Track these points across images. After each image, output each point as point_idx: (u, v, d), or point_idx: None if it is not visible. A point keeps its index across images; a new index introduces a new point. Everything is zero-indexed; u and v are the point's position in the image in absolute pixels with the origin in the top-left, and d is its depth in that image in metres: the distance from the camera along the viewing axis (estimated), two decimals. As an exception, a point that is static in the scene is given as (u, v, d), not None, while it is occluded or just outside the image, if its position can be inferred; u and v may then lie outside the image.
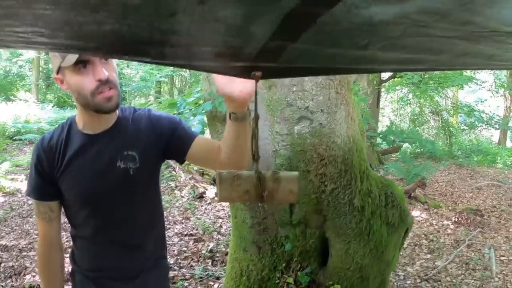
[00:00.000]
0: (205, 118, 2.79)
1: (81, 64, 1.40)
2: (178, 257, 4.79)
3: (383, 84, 10.74)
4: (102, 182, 1.56)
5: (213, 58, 0.96)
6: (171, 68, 19.00)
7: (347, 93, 2.67)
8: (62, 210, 1.67)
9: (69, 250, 1.78)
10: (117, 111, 1.61)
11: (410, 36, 0.87)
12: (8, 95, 21.16)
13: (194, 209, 6.76)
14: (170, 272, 4.26)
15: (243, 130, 1.33)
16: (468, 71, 13.20)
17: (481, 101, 15.61)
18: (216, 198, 7.27)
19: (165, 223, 5.72)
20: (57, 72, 1.48)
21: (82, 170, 1.55)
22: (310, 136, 2.53)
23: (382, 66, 1.16)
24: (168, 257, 4.67)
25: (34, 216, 5.73)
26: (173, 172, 8.59)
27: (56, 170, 1.56)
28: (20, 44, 0.89)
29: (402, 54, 0.98)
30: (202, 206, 6.99)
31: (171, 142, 1.61)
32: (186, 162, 1.75)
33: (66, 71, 1.44)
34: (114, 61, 1.53)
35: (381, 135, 4.06)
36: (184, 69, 19.55)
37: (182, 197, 7.37)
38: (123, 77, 17.43)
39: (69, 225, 1.72)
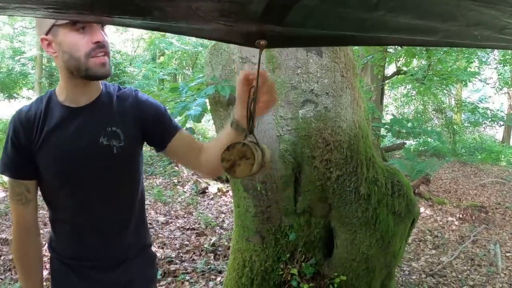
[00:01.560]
0: (208, 103, 2.73)
1: (80, 24, 1.34)
2: (180, 251, 4.74)
3: (386, 81, 10.67)
4: (83, 158, 1.45)
5: (216, 17, 0.90)
6: (175, 65, 18.97)
7: (352, 77, 2.60)
8: (39, 193, 1.55)
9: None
10: (101, 85, 1.53)
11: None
12: (11, 93, 21.19)
13: (197, 204, 6.72)
14: (171, 265, 4.26)
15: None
16: (473, 67, 13.13)
17: (485, 99, 15.52)
18: (218, 193, 7.23)
19: (168, 217, 5.68)
20: (47, 33, 1.39)
21: (61, 145, 1.44)
22: (315, 120, 2.46)
23: (392, 35, 1.10)
24: (169, 250, 4.67)
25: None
26: (176, 167, 8.55)
27: (34, 144, 1.44)
28: (15, 4, 0.84)
29: (412, 19, 0.92)
30: (204, 201, 6.96)
31: (154, 128, 1.55)
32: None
33: (61, 29, 1.36)
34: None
35: (386, 125, 3.99)
36: (190, 65, 19.46)
37: (185, 192, 7.33)
38: (126, 75, 17.38)
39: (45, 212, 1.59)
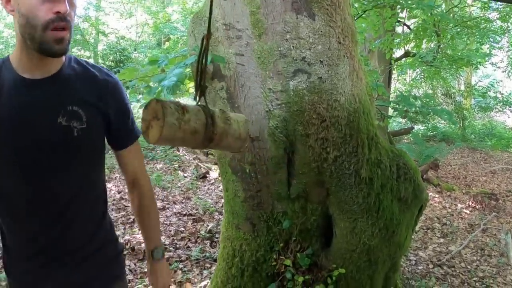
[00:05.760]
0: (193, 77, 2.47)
1: None
2: (175, 238, 4.57)
3: (395, 63, 10.34)
4: (38, 138, 1.30)
5: None
6: (180, 50, 18.74)
7: (351, 45, 2.32)
8: None
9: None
10: (63, 57, 1.38)
11: None
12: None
13: (196, 189, 6.56)
14: (165, 253, 4.05)
15: None
16: (484, 49, 12.79)
17: (496, 83, 15.16)
18: (219, 178, 7.01)
19: (165, 202, 5.50)
20: None
21: (12, 120, 1.28)
22: (308, 93, 2.19)
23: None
24: (163, 237, 4.47)
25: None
26: (176, 152, 8.36)
27: None
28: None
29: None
30: (204, 186, 6.79)
31: (112, 126, 1.45)
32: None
33: None
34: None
35: (392, 104, 3.71)
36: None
37: (185, 177, 7.16)
38: (131, 61, 17.20)
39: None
